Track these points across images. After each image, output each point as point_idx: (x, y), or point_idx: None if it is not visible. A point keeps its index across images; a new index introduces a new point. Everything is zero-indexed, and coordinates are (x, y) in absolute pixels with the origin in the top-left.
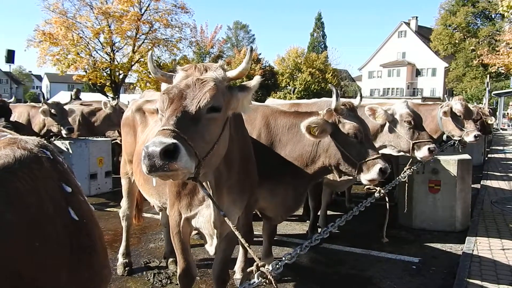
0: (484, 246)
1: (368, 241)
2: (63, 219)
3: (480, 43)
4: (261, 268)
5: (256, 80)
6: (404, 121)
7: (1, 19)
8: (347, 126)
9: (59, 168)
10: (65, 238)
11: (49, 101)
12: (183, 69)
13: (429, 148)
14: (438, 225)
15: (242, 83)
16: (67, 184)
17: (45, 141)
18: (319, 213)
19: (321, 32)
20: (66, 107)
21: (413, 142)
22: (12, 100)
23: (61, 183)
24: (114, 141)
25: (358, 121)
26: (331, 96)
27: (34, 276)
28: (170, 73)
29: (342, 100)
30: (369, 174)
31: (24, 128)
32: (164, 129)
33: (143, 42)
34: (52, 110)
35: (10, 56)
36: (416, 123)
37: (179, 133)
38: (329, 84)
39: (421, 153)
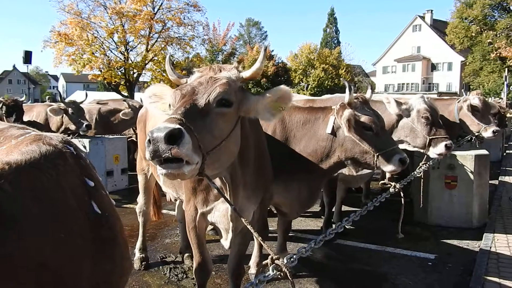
0: (502, 243)
1: (382, 237)
2: (86, 212)
3: (498, 35)
4: (276, 261)
5: (282, 88)
6: (422, 116)
7: (19, 20)
8: (362, 119)
9: (82, 163)
10: (88, 230)
11: (65, 100)
12: (199, 70)
13: (446, 145)
14: (455, 222)
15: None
16: (90, 178)
17: (68, 137)
18: (334, 209)
19: (334, 28)
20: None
21: (430, 138)
22: (23, 98)
23: (84, 178)
24: (129, 139)
25: (372, 114)
26: (344, 92)
27: (59, 267)
28: (186, 76)
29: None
30: (389, 166)
31: (42, 128)
32: (170, 117)
33: (156, 40)
34: (69, 109)
35: (28, 57)
36: (433, 119)
37: (185, 122)
38: (341, 78)
39: (438, 149)
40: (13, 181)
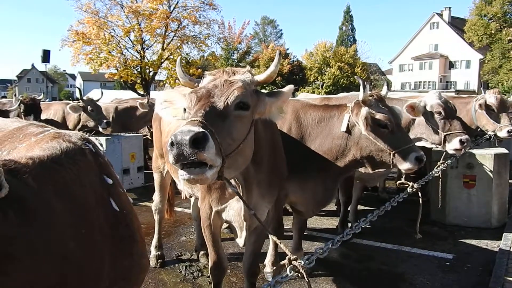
0: None
1: (399, 236)
2: (105, 209)
3: None
4: (293, 262)
5: (288, 88)
6: (435, 112)
7: (38, 20)
8: (377, 117)
9: (100, 161)
10: (107, 227)
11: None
12: (211, 74)
13: (460, 140)
14: (473, 221)
15: (273, 91)
16: (108, 176)
17: (86, 135)
18: (349, 208)
19: (350, 26)
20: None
21: (445, 133)
22: (41, 97)
23: (102, 175)
24: (145, 137)
25: (387, 111)
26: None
27: (81, 262)
28: (197, 79)
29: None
30: (405, 164)
31: (59, 125)
32: (192, 120)
33: (172, 39)
34: (89, 107)
35: (46, 56)
36: (447, 114)
37: (207, 125)
38: (356, 76)
39: (452, 145)
40: (36, 176)
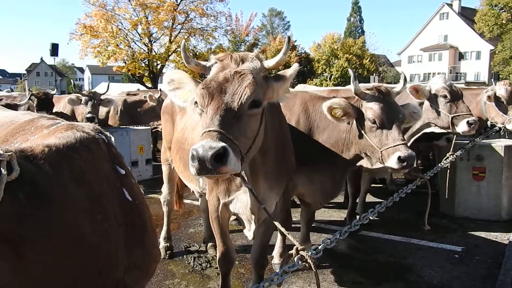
0: None
1: (407, 228)
2: (119, 199)
3: None
4: (301, 252)
5: (293, 68)
6: (440, 95)
7: (46, 12)
8: (368, 112)
9: (113, 151)
10: (121, 216)
11: (83, 91)
12: (218, 59)
13: (468, 121)
14: (482, 214)
15: (278, 72)
16: (121, 166)
17: (98, 126)
18: (357, 200)
19: (358, 17)
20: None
21: (452, 116)
22: (54, 92)
23: (115, 165)
24: (154, 130)
25: (382, 106)
26: (369, 82)
27: (97, 246)
28: (203, 62)
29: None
30: (388, 163)
31: (68, 118)
32: (210, 131)
33: (180, 32)
34: (83, 99)
35: (54, 50)
36: (453, 97)
37: (225, 134)
38: (348, 69)
39: (460, 127)
40: (53, 162)
